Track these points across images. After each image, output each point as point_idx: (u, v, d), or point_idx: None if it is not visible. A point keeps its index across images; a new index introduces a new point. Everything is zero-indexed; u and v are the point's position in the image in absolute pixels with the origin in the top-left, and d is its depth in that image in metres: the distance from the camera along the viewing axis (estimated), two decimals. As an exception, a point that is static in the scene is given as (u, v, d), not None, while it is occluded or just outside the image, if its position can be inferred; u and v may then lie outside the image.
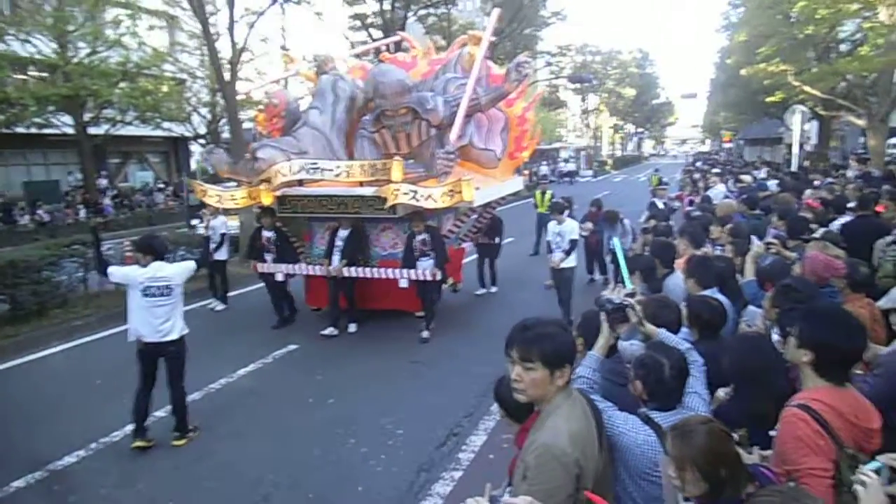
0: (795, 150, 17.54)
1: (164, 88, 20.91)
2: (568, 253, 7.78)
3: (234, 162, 7.70)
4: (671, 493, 1.98)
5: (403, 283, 7.46)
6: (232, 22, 17.99)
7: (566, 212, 10.78)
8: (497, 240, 9.90)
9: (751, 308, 3.84)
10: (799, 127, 16.56)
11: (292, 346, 7.45)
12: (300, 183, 7.51)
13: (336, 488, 4.39)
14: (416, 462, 4.70)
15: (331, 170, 7.11)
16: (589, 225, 10.15)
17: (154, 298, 4.95)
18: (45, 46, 18.07)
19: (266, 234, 8.21)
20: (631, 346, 2.88)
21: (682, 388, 2.46)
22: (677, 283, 4.34)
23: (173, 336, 5.04)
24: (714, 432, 1.86)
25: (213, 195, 7.73)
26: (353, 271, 7.59)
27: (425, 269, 7.39)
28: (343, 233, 7.69)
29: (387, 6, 22.66)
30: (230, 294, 9.79)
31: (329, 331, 7.69)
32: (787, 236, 5.41)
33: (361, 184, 7.26)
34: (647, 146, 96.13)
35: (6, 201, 21.51)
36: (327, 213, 7.50)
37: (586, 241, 10.24)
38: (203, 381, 6.34)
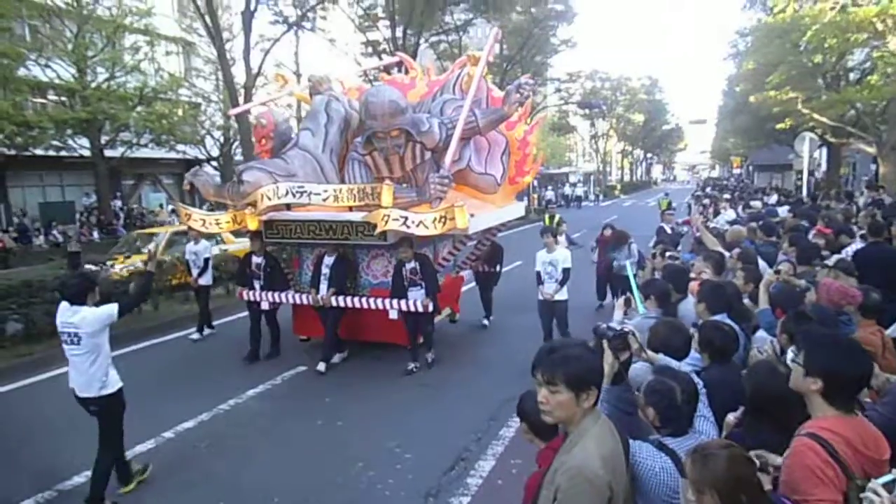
0: (805, 176, 17.53)
1: (180, 112, 21.32)
2: (562, 283, 7.31)
3: (220, 184, 7.45)
4: None
5: (393, 315, 7.12)
6: (248, 48, 18.42)
7: (564, 230, 10.82)
8: (497, 268, 9.46)
9: (760, 334, 3.83)
10: (808, 154, 16.57)
11: (301, 368, 7.46)
12: (288, 207, 7.20)
13: (344, 512, 4.36)
14: (425, 487, 4.66)
15: (318, 194, 6.78)
16: (594, 253, 10.20)
17: (68, 347, 4.41)
18: (64, 71, 18.52)
19: (255, 259, 7.85)
20: (639, 369, 2.87)
21: (694, 412, 2.46)
22: (690, 308, 4.34)
23: (91, 393, 4.43)
24: (735, 457, 1.84)
25: (197, 219, 7.43)
26: (340, 301, 7.27)
27: (416, 299, 7.04)
28: (328, 260, 7.38)
29: (399, 33, 23.07)
30: (219, 322, 9.70)
31: (321, 367, 7.26)
32: (796, 262, 5.41)
33: (351, 208, 6.89)
34: (656, 171, 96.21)
35: (21, 223, 21.83)
36: (315, 239, 7.20)
37: (597, 267, 10.26)
38: (212, 402, 6.39)
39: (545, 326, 7.50)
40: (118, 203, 25.27)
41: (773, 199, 18.62)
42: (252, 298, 7.75)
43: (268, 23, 22.22)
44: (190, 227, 7.93)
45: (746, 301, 4.55)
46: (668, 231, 10.53)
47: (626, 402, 2.58)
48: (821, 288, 4.02)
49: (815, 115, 18.59)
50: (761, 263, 5.62)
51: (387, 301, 7.10)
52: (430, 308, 7.07)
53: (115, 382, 4.54)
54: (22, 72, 16.60)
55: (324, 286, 7.37)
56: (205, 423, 5.99)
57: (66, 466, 5.04)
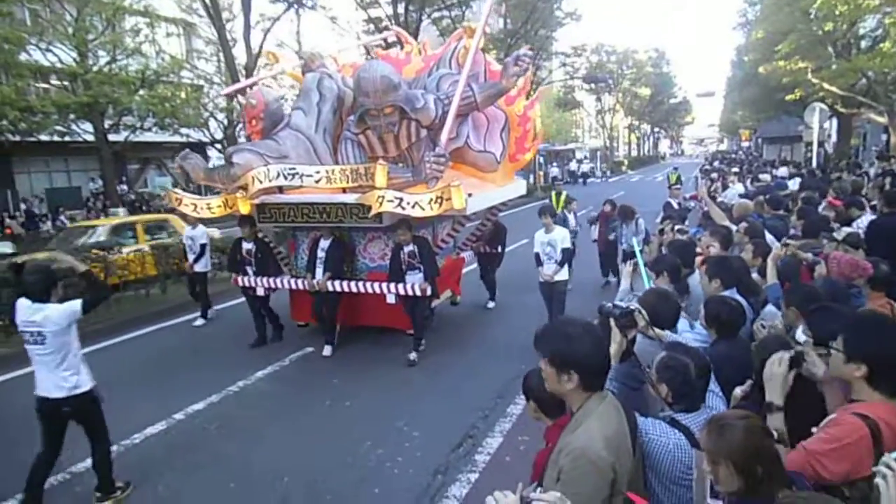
0: (815, 147, 17.32)
1: (182, 95, 21.23)
2: (561, 264, 7.20)
3: (210, 167, 7.21)
4: (700, 490, 1.96)
5: (391, 299, 6.95)
6: (248, 28, 18.29)
7: (573, 208, 10.69)
8: (499, 248, 9.21)
9: (769, 308, 3.80)
10: (818, 125, 16.34)
11: (309, 349, 7.50)
12: (280, 190, 6.91)
13: (353, 490, 4.40)
14: (433, 464, 4.70)
15: (310, 175, 6.53)
16: (593, 229, 10.19)
17: (31, 347, 4.17)
18: (65, 55, 18.44)
19: (245, 245, 7.70)
20: (645, 344, 2.84)
21: (707, 387, 2.43)
22: (698, 282, 4.31)
23: (62, 394, 4.19)
24: (752, 428, 1.82)
25: (188, 204, 7.19)
26: (336, 285, 7.08)
27: (414, 283, 6.83)
28: (324, 243, 7.21)
29: (401, 9, 22.77)
30: (224, 306, 9.66)
31: (327, 350, 7.26)
32: (802, 235, 5.36)
33: (344, 190, 6.62)
34: (664, 146, 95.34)
35: (29, 209, 21.94)
36: (308, 222, 6.97)
37: (598, 244, 10.20)
38: (221, 384, 6.44)
39: (549, 307, 7.43)
40: (124, 187, 25.33)
41: (783, 171, 18.38)
42: (246, 284, 7.64)
43: (268, 1, 21.98)
44: (181, 212, 7.72)
45: (755, 275, 4.50)
46: (676, 206, 10.45)
47: (633, 377, 2.56)
48: (831, 261, 3.98)
49: (826, 85, 18.31)
50: (769, 237, 5.57)
51: (384, 285, 6.93)
52: (429, 292, 6.86)
53: (87, 381, 4.29)
54: (23, 57, 16.55)
55: (319, 270, 7.17)
56: (214, 404, 6.04)
57: (77, 450, 5.09)
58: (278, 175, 6.52)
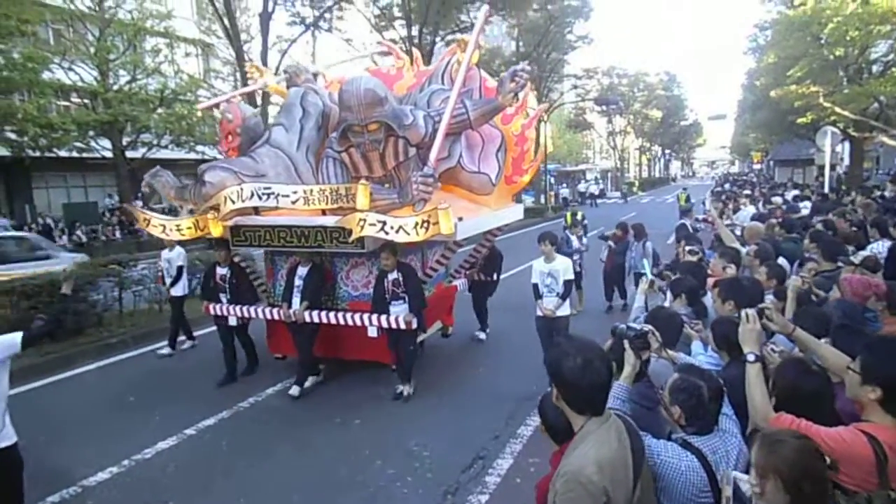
0: (827, 171, 17.27)
1: (199, 113, 21.56)
2: (564, 297, 6.48)
3: (182, 185, 6.67)
4: None
5: (372, 332, 6.39)
6: (265, 49, 18.60)
7: (578, 232, 10.31)
8: (494, 276, 8.62)
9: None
10: (830, 148, 16.31)
11: (319, 366, 7.51)
12: (256, 211, 6.41)
13: (363, 509, 4.40)
14: (443, 485, 4.68)
15: (287, 196, 6.04)
16: (604, 252, 9.96)
17: None
18: (87, 74, 18.84)
19: (220, 270, 7.18)
20: (660, 366, 2.85)
21: (720, 410, 2.43)
22: (710, 304, 4.31)
23: None
24: (805, 448, 1.83)
25: (157, 224, 6.67)
26: (314, 316, 6.55)
27: (398, 314, 6.29)
28: (302, 270, 6.66)
29: (415, 32, 23.11)
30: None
31: (295, 390, 6.59)
32: (823, 258, 5.35)
33: (324, 212, 6.13)
34: (675, 167, 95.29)
35: (45, 223, 22.27)
36: (286, 246, 6.41)
37: (604, 266, 10.03)
38: (233, 400, 6.49)
39: (544, 344, 6.56)
40: (139, 203, 25.63)
41: (791, 194, 18.31)
42: (219, 313, 7.11)
43: (285, 24, 22.40)
44: (149, 234, 7.13)
45: (770, 298, 4.50)
46: (690, 229, 10.42)
47: (647, 398, 2.57)
48: (843, 283, 3.97)
49: (837, 109, 18.29)
50: (781, 261, 5.56)
51: (365, 316, 6.38)
52: (414, 325, 6.31)
53: (10, 434, 3.68)
54: (46, 75, 16.90)
55: (296, 300, 6.62)
56: (225, 420, 6.07)
57: (90, 463, 5.14)
58: (252, 195, 6.05)
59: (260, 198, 6.08)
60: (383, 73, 8.12)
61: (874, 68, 20.04)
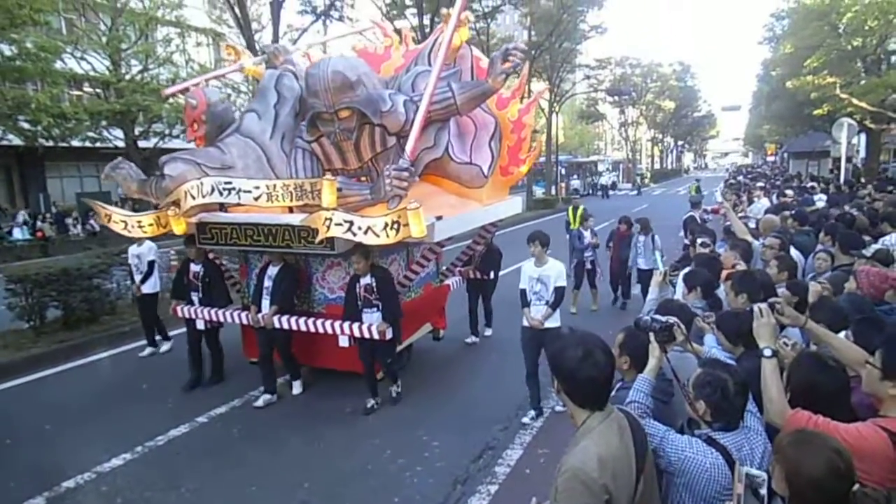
0: (843, 163, 17.05)
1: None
2: (554, 307, 5.57)
3: (144, 179, 6.06)
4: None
5: (343, 342, 5.89)
6: (276, 38, 18.53)
7: (590, 225, 9.82)
8: (492, 274, 8.06)
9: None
10: (846, 140, 16.09)
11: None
12: (222, 207, 5.96)
13: (372, 498, 4.42)
14: (453, 475, 4.70)
15: (248, 191, 5.55)
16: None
17: None
18: (99, 64, 18.94)
19: (193, 267, 6.72)
20: (676, 359, 2.81)
21: (745, 405, 2.36)
22: (723, 297, 4.28)
23: None
24: (833, 465, 1.72)
25: (118, 221, 6.14)
26: (284, 321, 6.01)
27: (370, 323, 5.74)
28: (272, 270, 6.15)
29: (426, 21, 23.00)
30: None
31: (264, 400, 6.11)
32: (840, 251, 5.30)
33: (291, 210, 5.67)
34: (687, 159, 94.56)
35: (59, 212, 22.48)
36: (253, 245, 5.89)
37: (611, 263, 9.79)
38: (244, 389, 6.53)
39: (529, 360, 5.73)
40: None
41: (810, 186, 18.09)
42: (187, 315, 6.64)
43: (296, 13, 22.36)
44: (110, 230, 6.50)
45: (782, 291, 4.45)
46: (699, 221, 10.32)
47: (662, 391, 2.54)
48: (860, 275, 3.93)
49: (854, 100, 18.05)
50: (794, 253, 5.51)
51: (336, 324, 5.87)
52: (388, 336, 5.75)
53: None
54: (58, 65, 16.99)
55: (266, 302, 6.14)
56: (237, 409, 6.12)
57: (104, 449, 5.20)
58: (213, 190, 5.58)
59: (220, 193, 5.61)
60: (370, 52, 7.51)
61: (893, 59, 19.74)
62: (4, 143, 17.87)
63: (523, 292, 5.73)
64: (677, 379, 2.49)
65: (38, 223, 21.07)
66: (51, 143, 17.78)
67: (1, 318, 8.54)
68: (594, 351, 1.96)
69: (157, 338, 8.14)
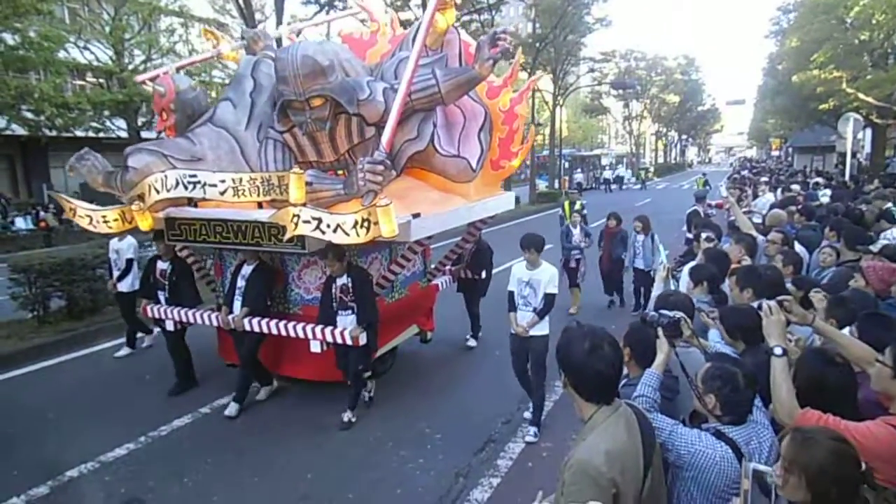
0: (848, 158, 16.98)
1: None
2: (542, 314, 5.14)
3: (110, 171, 5.69)
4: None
5: (315, 347, 5.54)
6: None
7: (577, 220, 9.11)
8: (483, 274, 7.59)
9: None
10: (852, 135, 16.00)
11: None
12: (190, 202, 5.60)
13: (375, 490, 4.43)
14: (455, 467, 4.70)
15: (214, 185, 5.17)
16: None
17: None
18: (102, 54, 18.91)
19: (160, 265, 6.39)
20: (687, 352, 2.79)
21: (754, 399, 2.36)
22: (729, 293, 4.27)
23: None
24: (840, 452, 1.75)
25: (83, 215, 5.75)
26: (254, 324, 5.68)
27: (344, 327, 5.39)
28: (246, 270, 5.82)
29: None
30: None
31: (232, 409, 5.72)
32: (845, 247, 5.28)
33: (260, 205, 5.25)
34: (691, 153, 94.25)
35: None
36: (223, 242, 5.51)
37: (600, 262, 9.23)
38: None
39: (517, 368, 5.39)
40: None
41: (813, 182, 18.01)
42: (156, 315, 6.34)
43: (300, 3, 22.25)
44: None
45: (787, 286, 4.44)
46: (702, 215, 10.29)
47: (668, 388, 2.53)
48: (867, 270, 3.92)
49: (861, 95, 17.96)
50: (799, 248, 5.50)
51: (308, 329, 5.50)
52: (363, 341, 5.39)
53: None
54: (61, 54, 16.96)
55: (238, 303, 5.81)
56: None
57: (108, 439, 5.22)
58: (177, 183, 5.23)
59: (185, 187, 5.25)
60: (355, 38, 7.09)
61: (900, 53, 19.61)
62: (8, 132, 17.86)
63: (511, 295, 5.32)
64: (686, 374, 2.47)
65: (42, 213, 21.10)
66: (54, 133, 17.79)
67: (5, 308, 8.56)
68: (602, 344, 1.94)
69: (139, 336, 7.84)
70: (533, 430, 5.21)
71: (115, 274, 7.55)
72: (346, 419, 5.47)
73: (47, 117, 16.38)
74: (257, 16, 20.51)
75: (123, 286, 7.48)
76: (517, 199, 27.46)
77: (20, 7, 13.87)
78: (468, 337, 7.73)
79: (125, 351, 7.67)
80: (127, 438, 5.24)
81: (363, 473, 4.65)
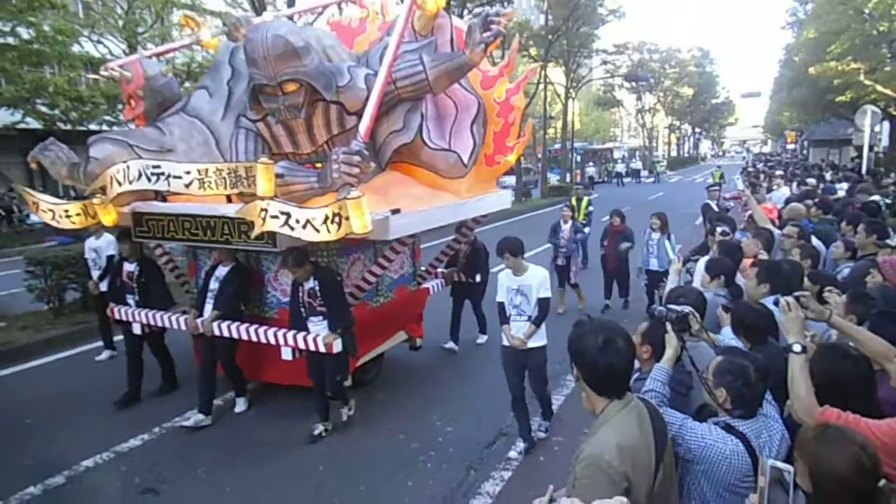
0: (866, 152, 16.73)
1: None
2: (538, 322, 4.73)
3: (75, 162, 5.36)
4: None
5: (286, 354, 5.21)
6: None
7: (572, 223, 8.52)
8: (478, 277, 7.26)
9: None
10: (869, 128, 15.76)
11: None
12: (158, 195, 5.24)
13: (387, 482, 4.44)
14: (466, 460, 4.71)
15: (178, 177, 4.80)
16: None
17: None
18: (115, 47, 19.01)
19: (127, 267, 6.01)
20: (696, 346, 2.77)
21: (765, 392, 2.34)
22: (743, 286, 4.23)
23: None
24: (858, 461, 1.70)
25: (45, 210, 5.46)
26: (224, 329, 5.33)
27: (317, 334, 5.01)
28: (221, 271, 5.45)
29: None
30: None
31: (195, 420, 5.35)
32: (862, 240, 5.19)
33: (230, 199, 4.89)
34: (705, 147, 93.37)
35: (77, 195, 22.72)
36: (191, 239, 5.14)
37: (604, 261, 8.79)
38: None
39: (511, 383, 4.93)
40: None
41: (828, 175, 17.79)
42: (123, 318, 5.97)
43: (311, -4, 22.24)
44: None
45: (805, 282, 4.38)
46: (715, 208, 10.20)
47: (681, 383, 2.52)
48: (884, 265, 3.87)
49: (879, 87, 17.71)
50: (815, 242, 5.42)
51: (280, 335, 5.16)
52: (336, 349, 4.94)
53: None
54: (75, 48, 17.08)
55: (209, 306, 5.45)
56: (252, 392, 6.13)
57: (122, 430, 5.28)
58: (140, 175, 4.89)
59: (149, 178, 4.90)
60: (343, 25, 6.68)
61: (920, 44, 19.26)
62: (23, 126, 18.01)
63: (501, 306, 4.88)
64: (696, 368, 2.45)
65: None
66: (69, 127, 17.93)
67: (20, 300, 8.66)
68: (615, 338, 1.94)
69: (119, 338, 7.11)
70: (545, 424, 5.19)
71: (95, 274, 7.12)
72: (316, 432, 5.09)
73: (62, 111, 16.51)
74: (269, 9, 20.51)
75: (105, 286, 6.96)
76: (529, 194, 27.61)
77: (35, 1, 13.98)
78: (457, 339, 7.38)
79: (106, 354, 7.36)
80: (142, 429, 5.29)
81: (375, 465, 4.67)
